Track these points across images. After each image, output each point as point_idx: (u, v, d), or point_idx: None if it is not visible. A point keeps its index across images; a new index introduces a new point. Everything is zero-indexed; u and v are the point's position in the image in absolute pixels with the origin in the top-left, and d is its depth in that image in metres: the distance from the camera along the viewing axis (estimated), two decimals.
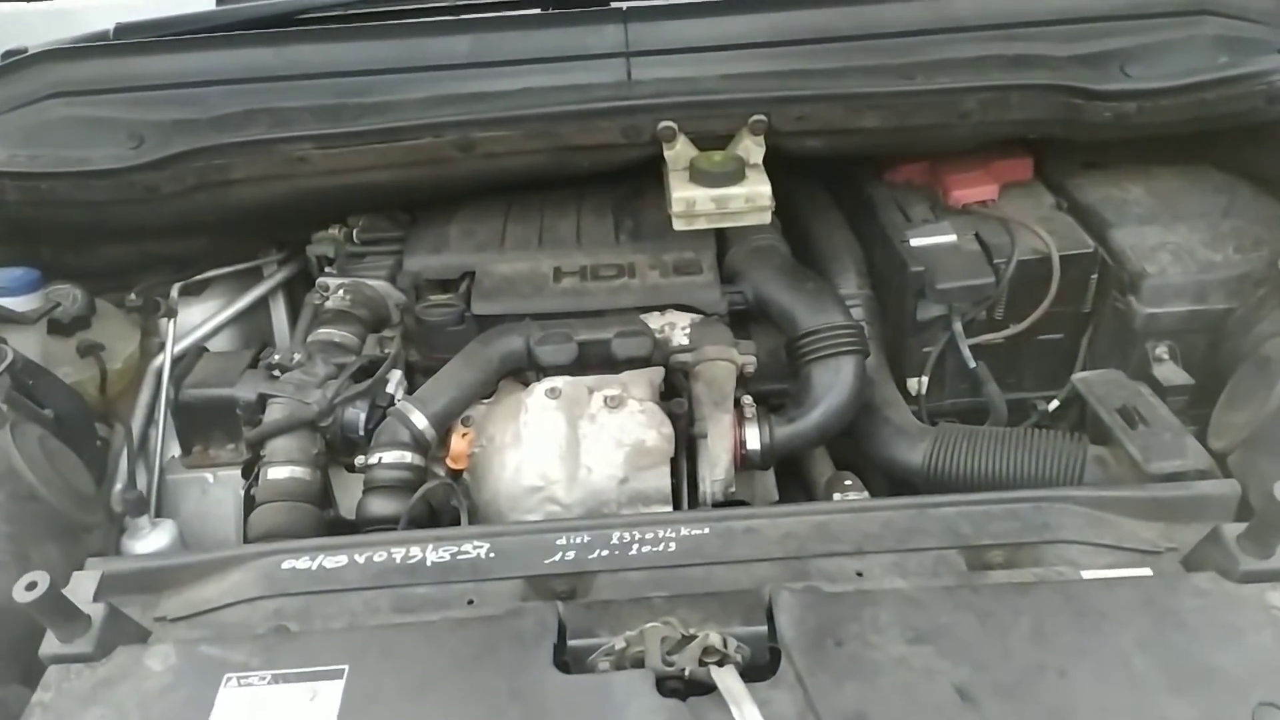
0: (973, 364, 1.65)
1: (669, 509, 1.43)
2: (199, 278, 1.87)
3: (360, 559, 1.25)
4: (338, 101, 1.54)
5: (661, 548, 1.24)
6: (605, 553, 1.23)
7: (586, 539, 1.25)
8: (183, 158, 1.50)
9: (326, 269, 1.79)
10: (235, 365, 1.69)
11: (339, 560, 1.25)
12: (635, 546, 1.24)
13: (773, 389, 1.65)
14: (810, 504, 1.32)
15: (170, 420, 1.69)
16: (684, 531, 1.26)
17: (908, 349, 1.70)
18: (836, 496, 1.43)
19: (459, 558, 1.24)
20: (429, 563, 1.24)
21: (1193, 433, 1.46)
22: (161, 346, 1.79)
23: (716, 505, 1.46)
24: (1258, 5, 1.60)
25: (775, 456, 1.52)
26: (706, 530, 1.25)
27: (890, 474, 1.57)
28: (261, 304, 1.98)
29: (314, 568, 1.25)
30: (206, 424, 1.69)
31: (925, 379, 1.69)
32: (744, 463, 1.51)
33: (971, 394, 1.73)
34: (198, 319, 1.90)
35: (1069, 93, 1.53)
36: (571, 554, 1.24)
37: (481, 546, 1.26)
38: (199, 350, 1.81)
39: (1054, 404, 1.71)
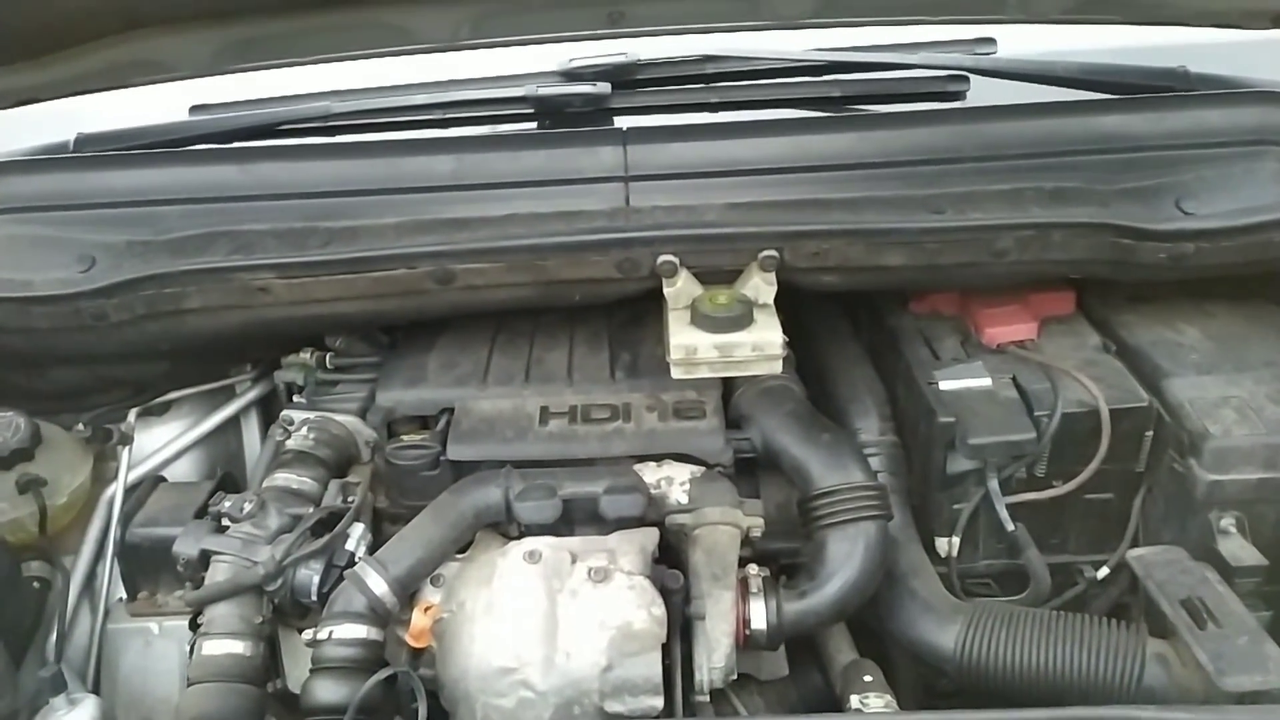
0: (1010, 526, 1.46)
1: (659, 700, 1.23)
2: (160, 400, 1.73)
3: None
4: (305, 225, 1.40)
5: None
6: None
7: None
8: (132, 285, 1.36)
9: (295, 397, 1.63)
10: (191, 501, 1.53)
11: None
12: None
13: (783, 548, 1.47)
14: (823, 718, 1.12)
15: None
16: None
17: (936, 505, 1.51)
18: (854, 700, 1.23)
19: None
20: None
21: (1267, 622, 1.27)
22: (117, 473, 1.65)
23: (715, 693, 1.28)
24: None
25: (784, 636, 1.32)
26: None
27: (916, 655, 1.37)
28: (232, 423, 1.83)
29: None
30: (154, 567, 1.53)
31: (956, 539, 1.50)
32: (748, 643, 1.31)
33: (1008, 556, 1.53)
34: (159, 442, 1.75)
35: (1118, 232, 1.36)
36: None
37: None
38: (154, 480, 1.65)
39: (1103, 571, 1.51)
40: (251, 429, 1.85)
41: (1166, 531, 1.45)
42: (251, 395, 1.80)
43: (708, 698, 1.28)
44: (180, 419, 1.78)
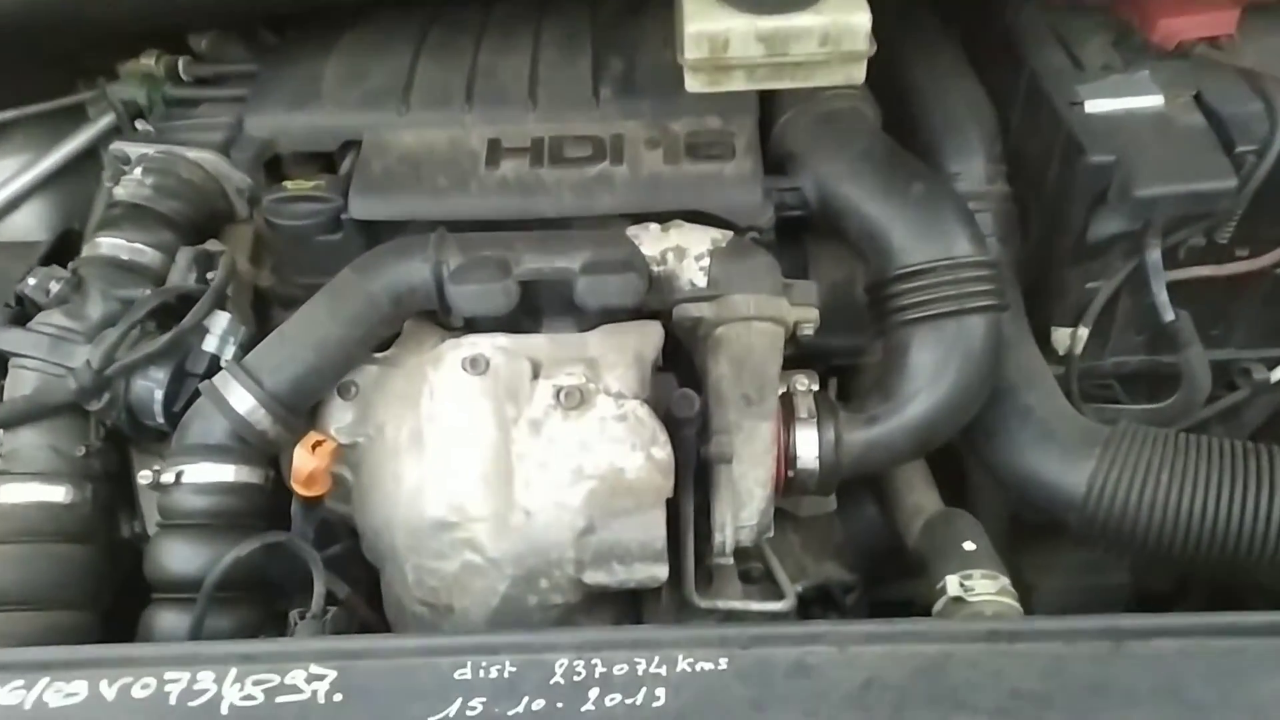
0: (1170, 315, 1.02)
1: (662, 568, 0.86)
2: None
3: (109, 693, 0.73)
4: None
5: (641, 700, 0.70)
6: (539, 705, 0.69)
7: (509, 671, 0.74)
8: None
9: (139, 123, 1.14)
10: (22, 269, 1.09)
11: (72, 694, 0.74)
12: (592, 695, 0.70)
13: (839, 345, 1.03)
14: (906, 624, 0.71)
15: None
16: (684, 666, 0.72)
17: (1062, 284, 1.06)
18: (952, 583, 0.83)
19: (279, 701, 0.71)
20: (224, 709, 0.71)
21: None
22: None
23: (739, 553, 0.90)
24: None
25: (841, 478, 0.92)
26: (724, 664, 0.71)
27: (1026, 495, 0.98)
28: (90, 160, 1.35)
29: (29, 707, 0.73)
30: None
31: (1084, 332, 1.06)
32: (789, 487, 0.91)
33: (1147, 352, 1.11)
34: None
35: None
36: (478, 706, 0.70)
37: (321, 679, 0.74)
38: None
39: None
40: None
41: None
42: (106, 122, 1.30)
43: (730, 560, 0.89)
44: (10, 155, 1.30)
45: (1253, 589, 1.08)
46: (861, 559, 1.10)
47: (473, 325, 0.96)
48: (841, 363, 1.07)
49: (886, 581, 1.14)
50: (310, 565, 0.84)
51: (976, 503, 1.15)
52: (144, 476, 0.87)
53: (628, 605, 0.95)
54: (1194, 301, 1.06)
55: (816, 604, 1.13)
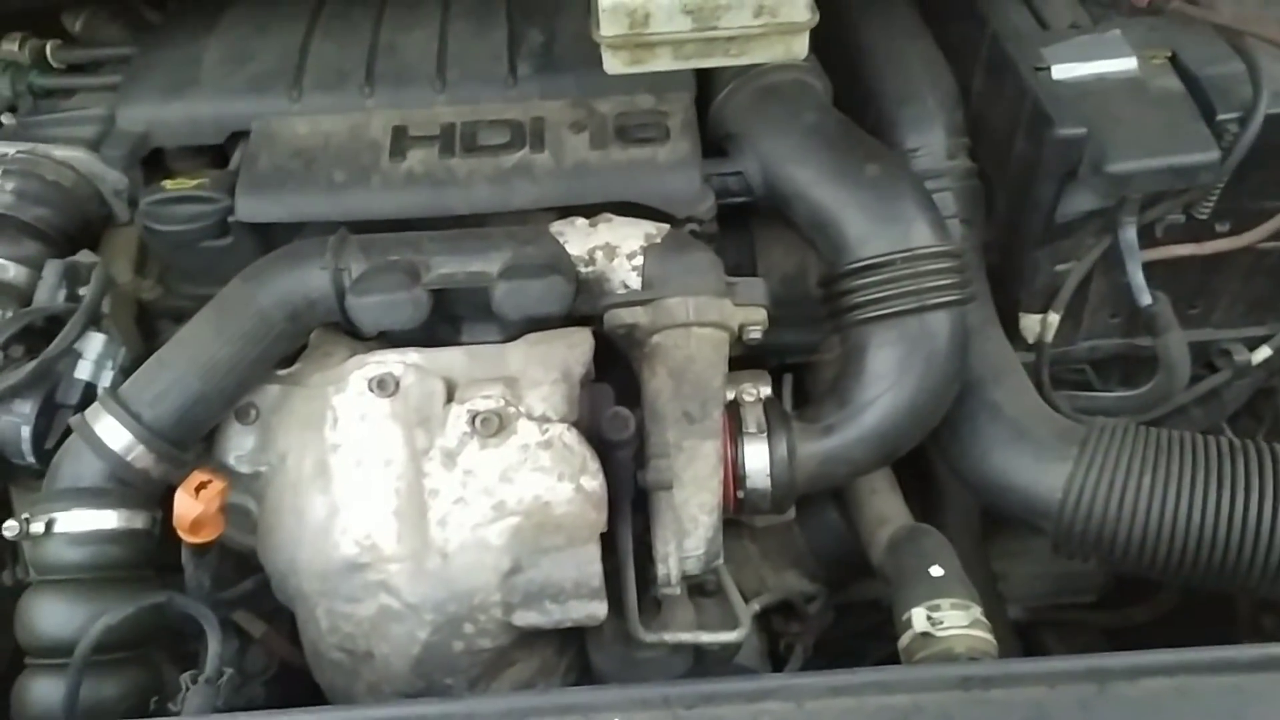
0: (1148, 299, 0.94)
1: (600, 606, 0.77)
2: None
3: None
4: None
5: None
6: None
7: None
8: None
9: (5, 117, 1.02)
10: None
11: None
12: None
13: (794, 343, 0.95)
14: (870, 673, 0.63)
15: None
16: None
17: (1028, 265, 0.97)
18: (918, 617, 0.75)
19: None
20: None
21: None
22: None
23: (690, 579, 0.81)
24: None
25: (797, 495, 0.84)
26: None
27: (997, 502, 0.90)
28: None
29: None
30: None
31: (1055, 318, 0.98)
32: (740, 508, 0.83)
33: (1121, 335, 1.04)
34: None
35: None
36: None
37: None
38: None
39: (1262, 353, 1.02)
40: None
41: None
42: None
43: (677, 590, 0.81)
44: None
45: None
46: (824, 567, 1.03)
47: (386, 334, 0.86)
48: (795, 361, 0.99)
49: (851, 582, 1.07)
50: (203, 623, 0.74)
51: (945, 499, 1.07)
52: (9, 528, 0.77)
53: (568, 640, 0.86)
54: (1171, 279, 0.98)
55: (778, 615, 1.06)
